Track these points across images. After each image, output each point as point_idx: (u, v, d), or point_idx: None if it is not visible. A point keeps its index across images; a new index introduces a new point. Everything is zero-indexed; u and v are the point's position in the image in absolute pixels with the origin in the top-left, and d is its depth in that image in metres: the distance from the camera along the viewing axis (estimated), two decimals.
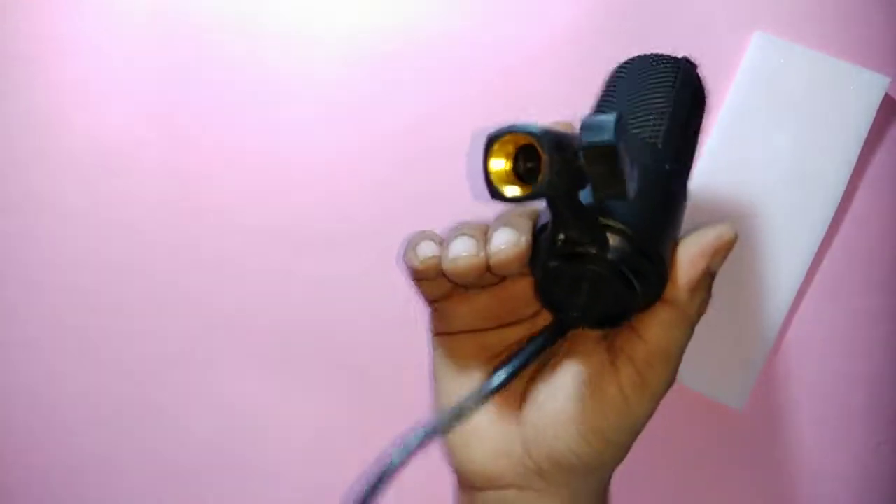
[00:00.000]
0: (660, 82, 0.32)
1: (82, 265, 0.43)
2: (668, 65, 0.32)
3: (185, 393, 0.42)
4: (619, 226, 0.27)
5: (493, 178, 0.24)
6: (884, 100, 0.42)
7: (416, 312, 0.43)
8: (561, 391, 0.30)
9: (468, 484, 0.32)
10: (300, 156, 0.43)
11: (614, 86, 0.33)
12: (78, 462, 0.42)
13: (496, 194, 0.24)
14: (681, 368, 0.40)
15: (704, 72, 0.43)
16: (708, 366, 0.42)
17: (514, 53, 0.44)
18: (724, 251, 0.28)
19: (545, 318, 0.31)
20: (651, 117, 0.31)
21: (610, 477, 0.32)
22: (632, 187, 0.24)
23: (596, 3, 0.44)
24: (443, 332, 0.32)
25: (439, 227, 0.43)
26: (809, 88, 0.42)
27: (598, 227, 0.27)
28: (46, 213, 0.42)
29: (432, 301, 0.31)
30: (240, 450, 0.43)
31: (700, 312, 0.29)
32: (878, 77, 0.42)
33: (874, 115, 0.42)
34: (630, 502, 0.42)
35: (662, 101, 0.31)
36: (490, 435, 0.31)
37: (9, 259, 0.42)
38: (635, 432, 0.30)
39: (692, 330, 0.29)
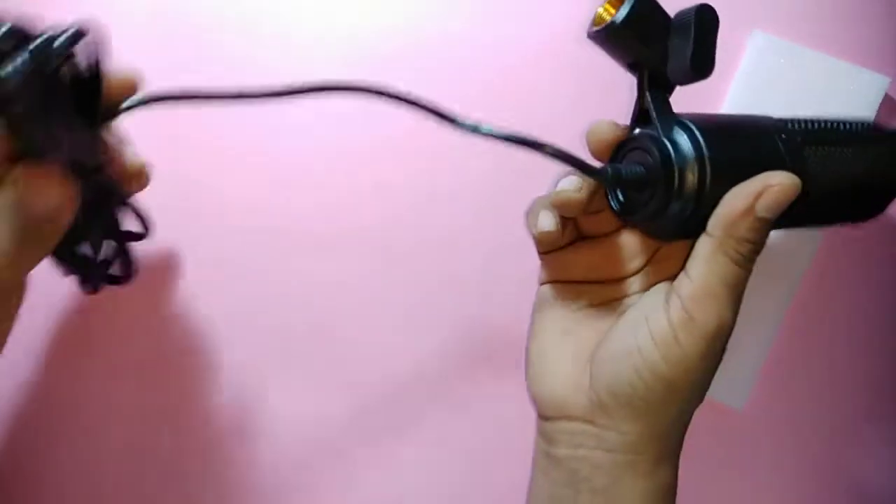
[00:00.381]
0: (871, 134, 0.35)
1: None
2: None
3: (185, 392, 0.42)
4: (692, 127, 0.30)
5: (595, 18, 0.30)
6: (884, 100, 0.42)
7: (415, 311, 0.43)
8: (623, 328, 0.32)
9: (542, 413, 0.34)
10: (300, 156, 0.43)
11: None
12: (78, 461, 0.42)
13: (589, 30, 0.30)
14: None
15: None
16: None
17: (514, 53, 0.44)
18: (772, 195, 0.29)
19: (642, 280, 0.33)
20: (823, 121, 0.34)
21: (679, 434, 0.33)
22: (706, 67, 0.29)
23: (595, 4, 0.44)
24: (549, 281, 0.35)
25: (440, 226, 0.44)
26: (809, 88, 0.42)
27: (675, 121, 0.30)
28: None
29: (546, 252, 0.35)
30: (239, 449, 0.43)
31: (743, 253, 0.29)
32: (877, 77, 0.42)
33: (874, 115, 0.42)
34: None
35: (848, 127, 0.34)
36: (565, 367, 0.33)
37: None
38: (689, 372, 0.30)
39: (741, 270, 0.30)
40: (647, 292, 0.33)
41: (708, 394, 0.42)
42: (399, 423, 0.43)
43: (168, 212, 0.43)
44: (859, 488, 0.44)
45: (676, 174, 0.29)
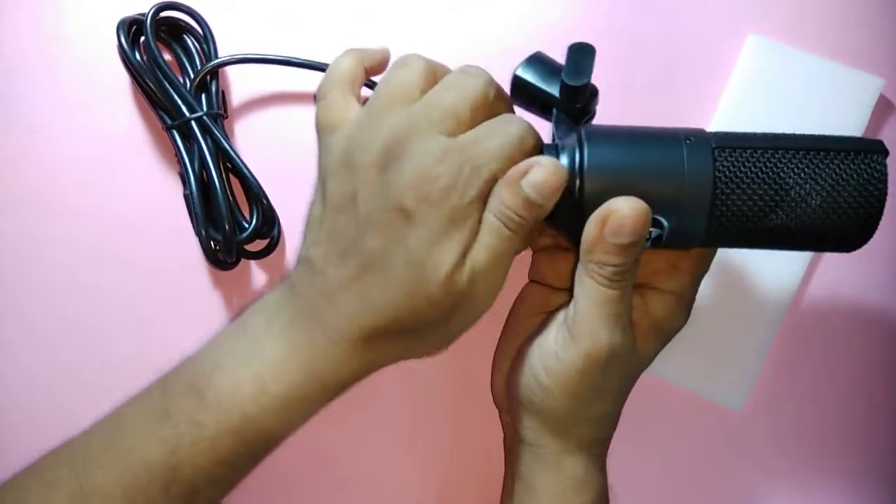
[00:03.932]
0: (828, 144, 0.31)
1: (83, 265, 0.42)
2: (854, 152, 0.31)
3: None
4: (584, 139, 0.31)
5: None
6: (878, 101, 0.42)
7: None
8: (535, 334, 0.34)
9: (495, 405, 0.38)
10: (302, 155, 0.43)
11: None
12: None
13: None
14: (679, 370, 0.40)
15: (699, 75, 0.44)
16: (707, 368, 0.42)
17: (512, 53, 0.44)
18: (614, 221, 0.29)
19: None
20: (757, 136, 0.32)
21: (583, 433, 0.34)
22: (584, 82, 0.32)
23: (594, 5, 0.44)
24: (530, 280, 0.38)
25: None
26: (804, 91, 0.42)
27: (576, 136, 0.31)
28: (46, 213, 0.42)
29: (535, 251, 0.38)
30: None
31: (606, 275, 0.30)
32: (872, 78, 0.42)
33: (869, 116, 0.42)
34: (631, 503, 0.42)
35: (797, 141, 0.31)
36: (507, 365, 0.36)
37: (8, 259, 0.42)
38: (567, 383, 0.32)
39: (611, 290, 0.30)
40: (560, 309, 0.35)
41: (707, 396, 0.43)
42: (395, 422, 0.43)
43: (169, 210, 0.43)
44: (859, 489, 0.44)
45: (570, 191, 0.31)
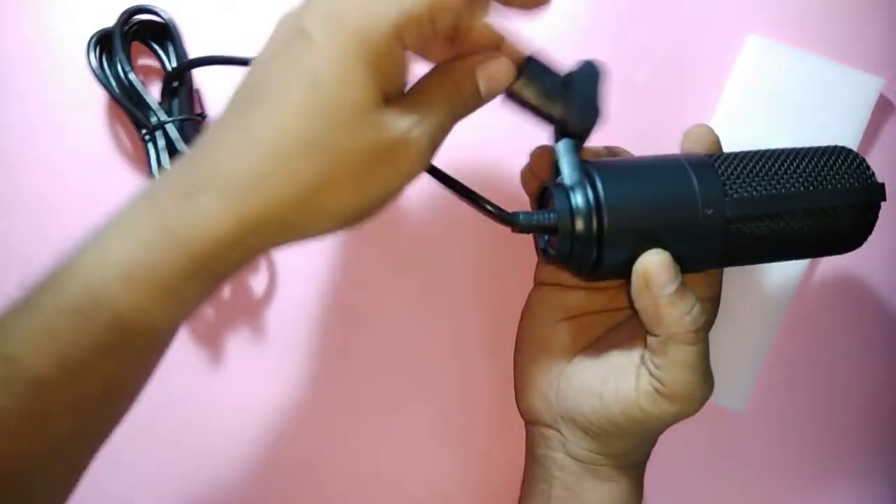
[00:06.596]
0: (833, 175, 0.33)
1: None
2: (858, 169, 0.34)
3: (187, 392, 0.42)
4: (596, 176, 0.31)
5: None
6: (879, 101, 0.42)
7: (417, 309, 0.43)
8: (593, 367, 0.34)
9: (523, 417, 0.38)
10: None
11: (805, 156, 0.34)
12: None
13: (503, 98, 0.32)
14: None
15: (699, 75, 0.43)
16: None
17: None
18: (654, 276, 0.30)
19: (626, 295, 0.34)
20: (771, 176, 0.32)
21: (641, 453, 0.35)
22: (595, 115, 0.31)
23: (594, 5, 0.44)
24: (540, 283, 0.37)
25: (442, 225, 0.43)
26: (804, 91, 0.42)
27: (584, 170, 0.31)
28: (45, 213, 0.42)
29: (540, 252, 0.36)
30: (239, 448, 0.42)
31: (690, 328, 0.30)
32: (872, 79, 0.42)
33: (869, 116, 0.42)
34: None
35: (802, 176, 0.33)
36: (539, 382, 0.36)
37: (8, 259, 0.42)
38: (645, 427, 0.32)
39: (698, 345, 0.30)
40: (625, 342, 0.34)
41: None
42: (396, 420, 0.43)
43: None
44: (860, 489, 0.44)
45: (576, 221, 0.31)
